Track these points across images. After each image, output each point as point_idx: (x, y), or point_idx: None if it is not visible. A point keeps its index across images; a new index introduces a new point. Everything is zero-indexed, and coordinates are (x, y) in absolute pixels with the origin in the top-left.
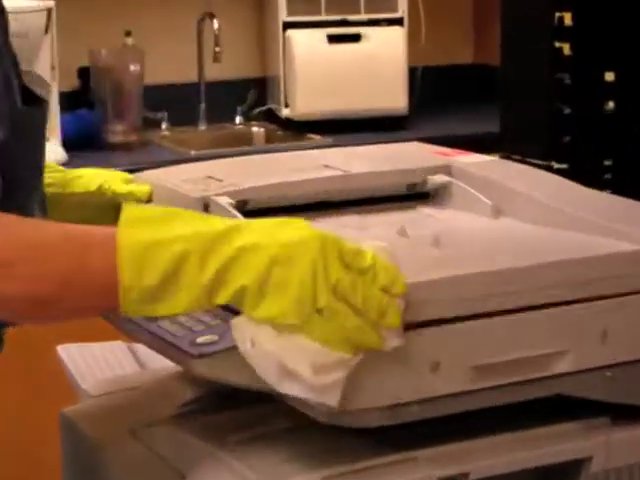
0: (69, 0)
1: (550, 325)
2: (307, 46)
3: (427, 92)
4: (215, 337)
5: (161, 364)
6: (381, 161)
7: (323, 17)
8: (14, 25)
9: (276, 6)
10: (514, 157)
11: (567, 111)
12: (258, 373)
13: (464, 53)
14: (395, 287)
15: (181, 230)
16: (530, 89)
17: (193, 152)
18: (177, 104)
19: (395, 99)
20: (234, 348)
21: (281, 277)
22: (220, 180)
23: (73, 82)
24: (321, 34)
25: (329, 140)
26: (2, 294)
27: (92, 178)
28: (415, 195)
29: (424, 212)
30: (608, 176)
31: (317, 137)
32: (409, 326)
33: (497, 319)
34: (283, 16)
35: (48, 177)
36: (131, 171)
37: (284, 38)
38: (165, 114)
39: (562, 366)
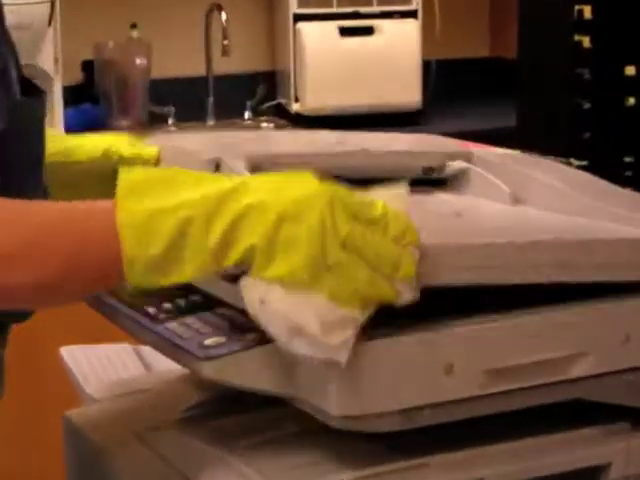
0: None
1: (570, 327)
2: (318, 39)
3: (442, 86)
4: (223, 339)
5: (167, 366)
6: (399, 143)
7: (335, 9)
8: (17, 17)
9: None
10: (531, 154)
11: (587, 106)
12: (268, 333)
13: (480, 46)
14: (407, 236)
15: (183, 195)
16: (548, 83)
17: None
18: (184, 99)
19: (409, 94)
20: (243, 350)
21: (290, 234)
22: (234, 145)
23: (77, 76)
24: (333, 27)
25: None
26: (5, 285)
27: (96, 144)
28: (432, 181)
29: (441, 197)
30: (629, 173)
31: None
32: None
33: (514, 320)
34: (293, 8)
35: (49, 147)
36: None
37: (294, 31)
38: (172, 109)
39: (581, 369)
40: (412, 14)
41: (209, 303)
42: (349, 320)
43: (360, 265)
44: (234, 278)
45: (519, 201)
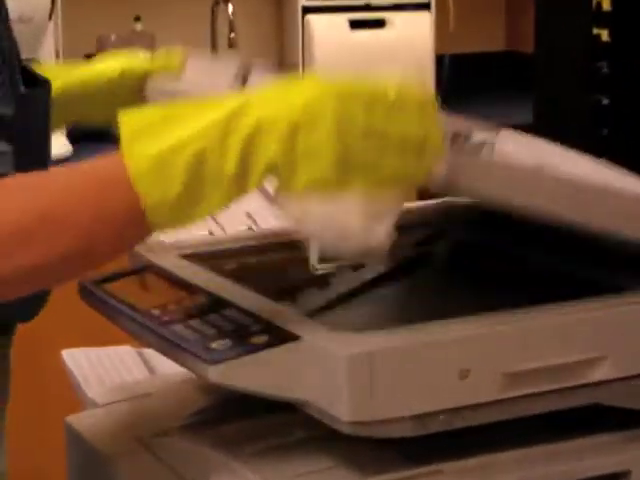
0: None
1: (588, 329)
2: (328, 32)
3: (455, 82)
4: (229, 342)
5: (171, 370)
6: None
7: (345, 1)
8: (17, 10)
9: None
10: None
11: (605, 102)
12: (315, 242)
13: (495, 39)
14: (428, 109)
15: (188, 127)
16: (566, 78)
17: None
18: None
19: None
20: (249, 354)
21: (308, 141)
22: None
23: None
24: (343, 19)
25: None
26: (32, 264)
27: (112, 67)
28: None
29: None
30: None
31: None
32: None
33: (530, 322)
34: (302, 0)
35: (56, 83)
36: None
37: (303, 23)
38: None
39: (600, 373)
40: (425, 6)
41: (215, 305)
42: (388, 209)
43: (386, 152)
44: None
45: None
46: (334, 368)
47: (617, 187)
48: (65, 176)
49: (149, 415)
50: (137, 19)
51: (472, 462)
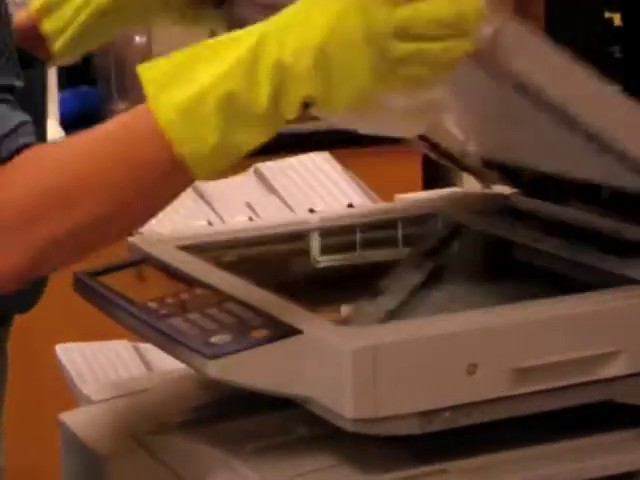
0: None
1: (602, 322)
2: None
3: None
4: (229, 336)
5: (169, 365)
6: None
7: None
8: None
9: None
10: None
11: (618, 87)
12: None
13: None
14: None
15: (213, 70)
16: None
17: None
18: None
19: None
20: (250, 348)
21: (340, 62)
22: None
23: None
24: None
25: None
26: (71, 226)
27: None
28: None
29: None
30: None
31: None
32: None
33: (541, 315)
34: None
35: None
36: None
37: None
38: None
39: (613, 369)
40: None
41: (214, 298)
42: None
43: (422, 43)
44: None
45: None
46: (337, 363)
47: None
48: (94, 137)
49: (146, 412)
50: None
51: (478, 461)
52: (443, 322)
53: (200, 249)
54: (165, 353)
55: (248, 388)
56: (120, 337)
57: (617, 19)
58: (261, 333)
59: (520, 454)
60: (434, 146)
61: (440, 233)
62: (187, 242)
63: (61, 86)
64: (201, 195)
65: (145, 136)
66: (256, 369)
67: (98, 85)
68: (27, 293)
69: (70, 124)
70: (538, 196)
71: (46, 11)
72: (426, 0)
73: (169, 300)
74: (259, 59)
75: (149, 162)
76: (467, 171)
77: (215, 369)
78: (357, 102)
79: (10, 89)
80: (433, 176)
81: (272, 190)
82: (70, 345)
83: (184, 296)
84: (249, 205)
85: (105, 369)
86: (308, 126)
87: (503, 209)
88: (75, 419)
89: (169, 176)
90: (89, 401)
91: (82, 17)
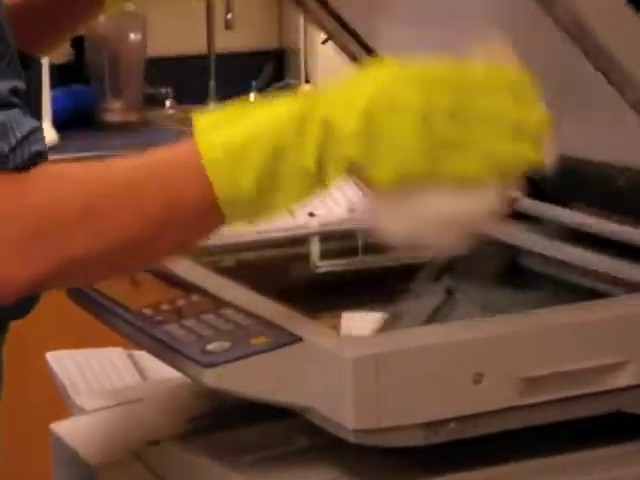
0: None
1: (610, 331)
2: None
3: None
4: (227, 344)
5: (165, 373)
6: None
7: None
8: None
9: None
10: None
11: None
12: (410, 243)
13: None
14: (523, 89)
15: (264, 120)
16: None
17: None
18: (183, 79)
19: None
20: (249, 357)
21: (388, 130)
22: None
23: (66, 53)
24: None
25: None
26: (101, 247)
27: None
28: None
29: None
30: None
31: None
32: None
33: (549, 323)
34: None
35: None
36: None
37: None
38: (170, 90)
39: (622, 379)
40: None
41: (211, 304)
42: (489, 194)
43: (480, 134)
44: None
45: None
46: (338, 372)
47: None
48: (131, 163)
49: (140, 422)
50: None
51: (483, 473)
52: (448, 330)
53: (197, 254)
54: (160, 361)
55: (246, 397)
56: (114, 344)
57: None
58: (260, 340)
59: (527, 466)
60: None
61: None
62: None
63: (53, 84)
64: None
65: (185, 170)
66: (254, 378)
67: (91, 83)
68: (25, 299)
69: (62, 123)
70: (542, 198)
71: None
72: (490, 94)
73: (164, 306)
74: (308, 117)
75: (184, 197)
76: None
77: (212, 378)
78: (402, 179)
79: (15, 91)
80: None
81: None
82: (62, 353)
83: (180, 302)
84: None
85: (98, 378)
86: None
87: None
88: (67, 429)
89: (202, 215)
90: (82, 411)
91: None
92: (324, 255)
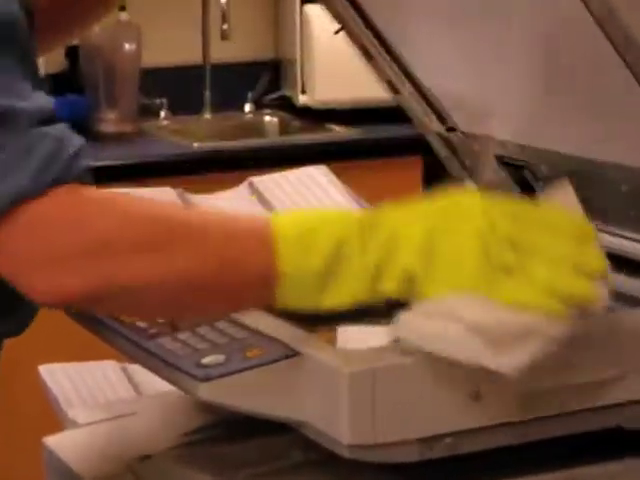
0: None
1: (609, 346)
2: (327, 24)
3: None
4: (222, 357)
5: (160, 387)
6: None
7: None
8: None
9: None
10: None
11: None
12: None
13: None
14: (585, 235)
15: (335, 216)
16: None
17: (196, 144)
18: (178, 89)
19: None
20: (244, 370)
21: (446, 247)
22: None
23: (60, 63)
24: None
25: (352, 132)
26: (149, 280)
27: None
28: None
29: None
30: None
31: (338, 128)
32: None
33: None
34: None
35: None
36: (125, 166)
37: (302, 14)
38: (164, 101)
39: (621, 394)
40: None
41: None
42: (539, 329)
43: (538, 267)
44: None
45: None
46: (334, 386)
47: None
48: (208, 210)
49: (134, 436)
50: (122, 8)
51: None
52: None
53: None
54: (155, 374)
55: (241, 412)
56: (107, 357)
57: None
58: (255, 354)
59: None
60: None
61: None
62: None
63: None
64: None
65: (254, 236)
66: (250, 392)
67: (86, 93)
68: (21, 318)
69: None
70: None
71: None
72: (552, 232)
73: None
74: (375, 222)
75: (245, 260)
76: (469, 171)
77: (207, 391)
78: (456, 291)
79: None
80: (434, 190)
81: (267, 204)
82: (55, 366)
83: None
84: None
85: (92, 391)
86: (304, 138)
87: None
88: (60, 443)
89: (256, 282)
90: (75, 425)
91: None
92: None
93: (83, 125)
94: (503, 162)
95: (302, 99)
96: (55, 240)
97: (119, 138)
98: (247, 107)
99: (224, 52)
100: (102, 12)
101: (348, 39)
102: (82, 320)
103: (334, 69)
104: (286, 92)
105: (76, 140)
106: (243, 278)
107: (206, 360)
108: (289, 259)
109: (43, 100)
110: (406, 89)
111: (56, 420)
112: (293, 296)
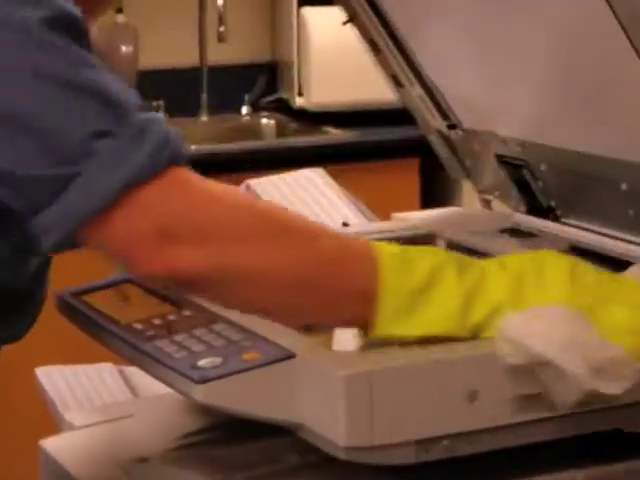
0: None
1: None
2: (325, 26)
3: None
4: (218, 359)
5: (156, 390)
6: None
7: None
8: None
9: None
10: None
11: None
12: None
13: None
14: None
15: (429, 249)
16: None
17: (193, 147)
18: (175, 91)
19: None
20: (241, 372)
21: (535, 287)
22: None
23: None
24: (340, 13)
25: (348, 134)
26: (270, 267)
27: None
28: None
29: None
30: None
31: (334, 131)
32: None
33: None
34: None
35: None
36: None
37: (299, 16)
38: (161, 103)
39: (620, 397)
40: None
41: (203, 318)
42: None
43: (619, 307)
44: None
45: None
46: (331, 388)
47: None
48: (317, 222)
49: (131, 439)
50: (119, 11)
51: None
52: (442, 347)
53: None
54: (151, 377)
55: (237, 414)
56: (104, 360)
57: None
58: (252, 356)
59: None
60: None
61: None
62: None
63: None
64: None
65: (364, 257)
66: (246, 394)
67: None
68: (21, 325)
69: None
70: (539, 214)
71: None
72: (629, 287)
73: (156, 321)
74: (471, 263)
75: (349, 269)
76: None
77: (203, 394)
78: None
79: None
80: (431, 192)
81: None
82: (52, 368)
83: (171, 317)
84: None
85: (88, 394)
86: (301, 140)
87: (504, 229)
88: (57, 446)
89: (355, 295)
90: (72, 427)
91: None
92: None
93: None
94: (502, 162)
95: (299, 101)
96: (173, 218)
97: None
98: (244, 109)
99: (221, 54)
100: (100, 11)
101: (356, 31)
102: (79, 322)
103: (331, 71)
104: (283, 94)
105: (169, 127)
106: (346, 286)
107: (202, 362)
108: (390, 275)
109: (132, 90)
110: (411, 84)
111: (53, 422)
112: (388, 313)
